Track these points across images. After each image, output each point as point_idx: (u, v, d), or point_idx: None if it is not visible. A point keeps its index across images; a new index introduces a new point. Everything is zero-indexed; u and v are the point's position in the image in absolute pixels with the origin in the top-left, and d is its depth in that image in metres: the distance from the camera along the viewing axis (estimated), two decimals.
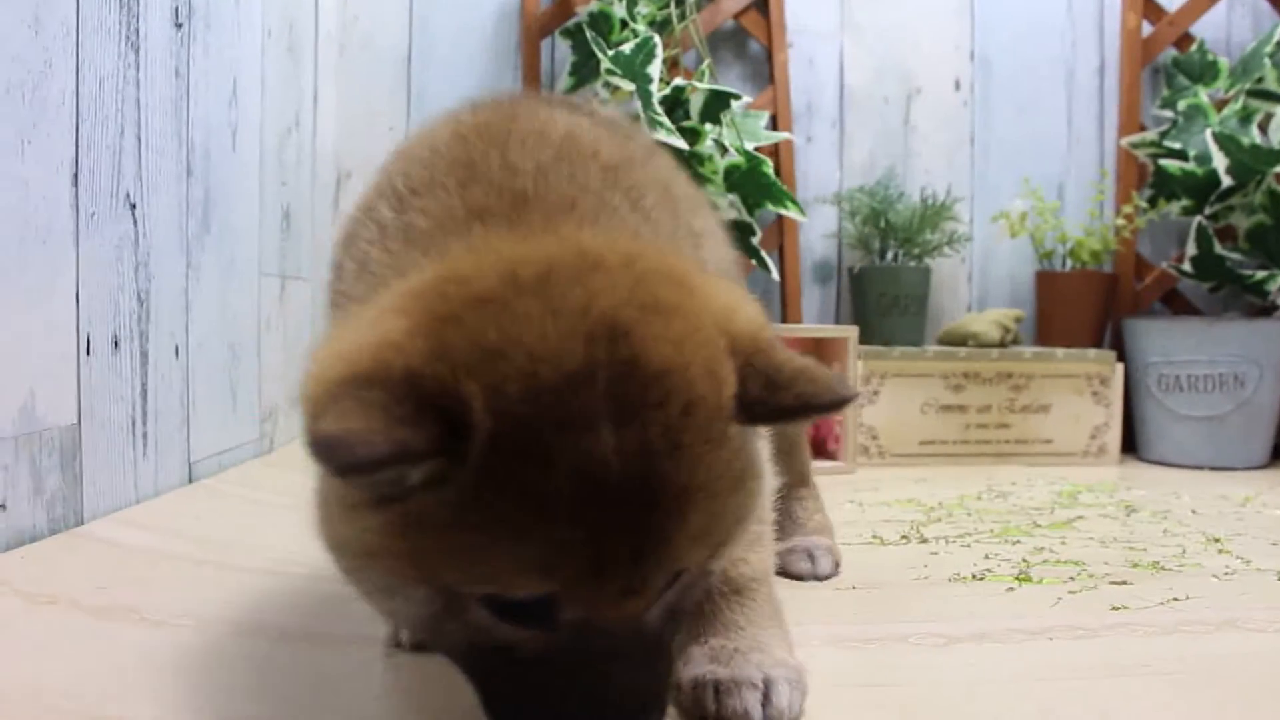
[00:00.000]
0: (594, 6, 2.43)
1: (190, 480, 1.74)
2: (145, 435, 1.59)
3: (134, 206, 1.55)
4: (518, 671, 0.65)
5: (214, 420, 1.86)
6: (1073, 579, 1.35)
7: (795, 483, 1.38)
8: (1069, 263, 2.69)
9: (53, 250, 1.34)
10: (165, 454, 1.65)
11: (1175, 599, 1.26)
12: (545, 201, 0.75)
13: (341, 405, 0.57)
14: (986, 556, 1.48)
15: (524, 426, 0.58)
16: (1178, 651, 1.06)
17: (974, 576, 1.37)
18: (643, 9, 2.42)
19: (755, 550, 0.89)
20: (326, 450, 0.54)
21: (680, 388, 0.61)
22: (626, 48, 2.17)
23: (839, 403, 0.66)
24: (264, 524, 1.61)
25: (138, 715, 0.83)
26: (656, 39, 2.21)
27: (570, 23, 2.55)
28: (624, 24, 2.40)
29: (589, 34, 2.33)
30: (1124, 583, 1.34)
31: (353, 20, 2.71)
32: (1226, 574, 1.41)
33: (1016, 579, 1.35)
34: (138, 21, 1.55)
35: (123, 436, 1.52)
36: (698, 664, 0.83)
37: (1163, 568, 1.43)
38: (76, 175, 1.38)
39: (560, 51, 2.67)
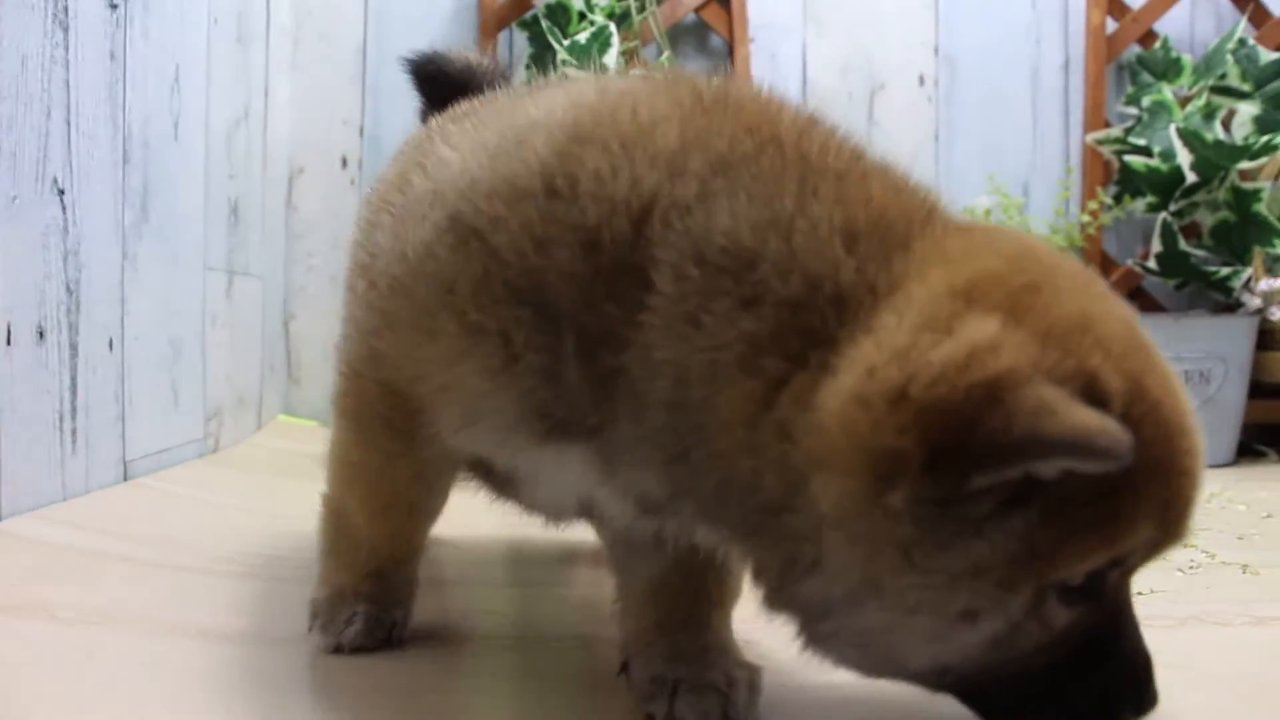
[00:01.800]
0: None
1: (125, 478, 1.68)
2: (74, 431, 1.52)
3: (62, 192, 1.48)
4: (1066, 661, 0.66)
5: (153, 417, 1.79)
6: None
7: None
8: None
9: None
10: (97, 451, 1.59)
11: (1140, 593, 1.22)
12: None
13: (1046, 402, 0.57)
14: None
15: (1147, 396, 0.62)
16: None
17: None
18: (601, 1, 2.38)
19: None
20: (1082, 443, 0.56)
21: None
22: (582, 37, 2.14)
23: None
24: (199, 523, 1.56)
25: (30, 715, 0.77)
26: (613, 28, 2.18)
27: (528, 15, 2.50)
28: (582, 16, 2.36)
29: (545, 24, 2.29)
30: None
31: (307, 13, 2.66)
32: (1192, 568, 1.38)
33: None
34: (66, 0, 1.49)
35: (48, 431, 1.45)
36: (655, 659, 0.81)
37: None
38: None
39: (519, 44, 2.63)
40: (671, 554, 0.81)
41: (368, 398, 0.85)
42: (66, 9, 1.49)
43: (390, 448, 0.87)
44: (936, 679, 0.67)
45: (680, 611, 0.84)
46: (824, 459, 0.61)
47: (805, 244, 0.66)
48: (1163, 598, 1.21)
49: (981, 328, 0.60)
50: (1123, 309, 0.68)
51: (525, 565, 1.44)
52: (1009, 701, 0.67)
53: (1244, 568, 1.38)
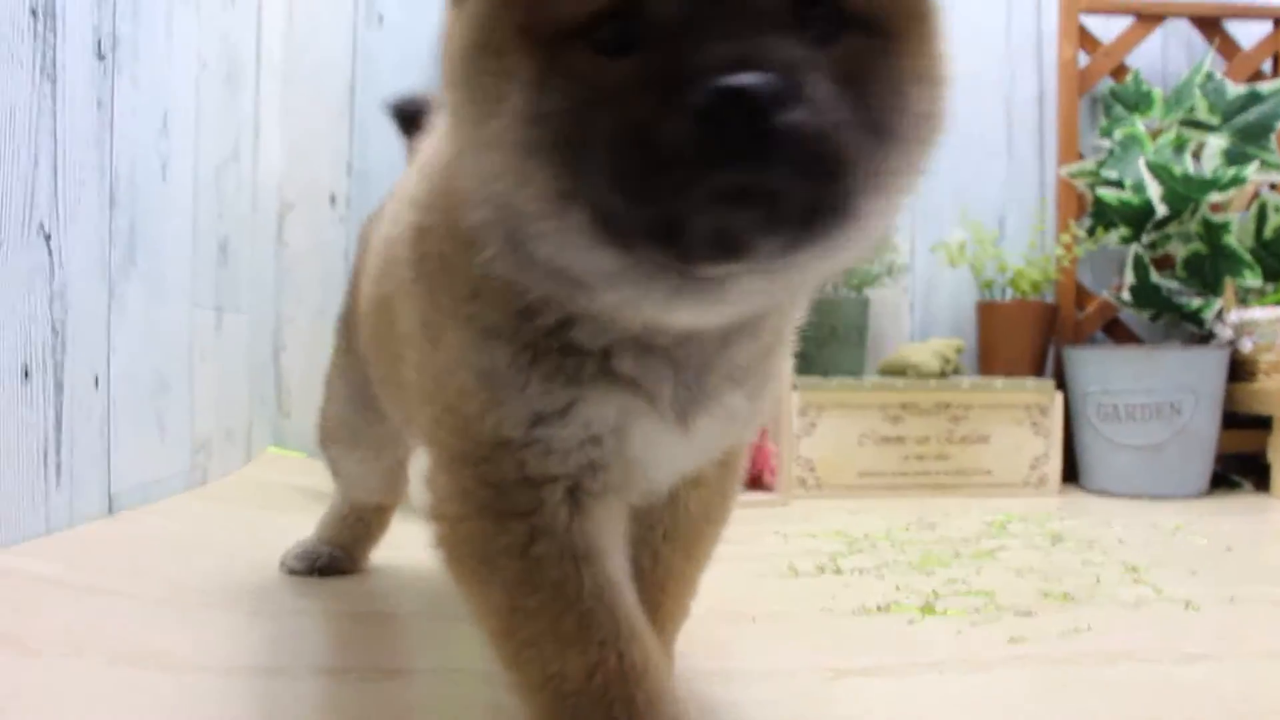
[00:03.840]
0: None
1: (110, 511, 1.73)
2: (59, 466, 1.58)
3: (49, 237, 1.54)
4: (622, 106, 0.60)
5: (139, 451, 1.85)
6: (978, 610, 1.36)
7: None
8: (1009, 292, 2.71)
9: None
10: (81, 485, 1.64)
11: (1076, 630, 1.27)
12: None
13: None
14: (897, 588, 1.48)
15: None
16: (1070, 683, 1.06)
17: (879, 608, 1.37)
18: None
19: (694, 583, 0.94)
20: None
21: None
22: None
23: None
24: (179, 555, 1.60)
25: None
26: None
27: None
28: None
29: None
30: (1029, 614, 1.34)
31: (297, 53, 2.72)
32: (1135, 604, 1.41)
33: (921, 610, 1.35)
34: (54, 52, 1.55)
35: (32, 467, 1.51)
36: None
37: (1072, 598, 1.43)
38: None
39: None
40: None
41: None
42: (54, 62, 1.55)
43: None
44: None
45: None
46: None
47: None
48: (1096, 635, 1.24)
49: None
50: None
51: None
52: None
53: (1186, 604, 1.41)
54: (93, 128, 1.67)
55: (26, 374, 1.49)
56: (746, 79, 0.56)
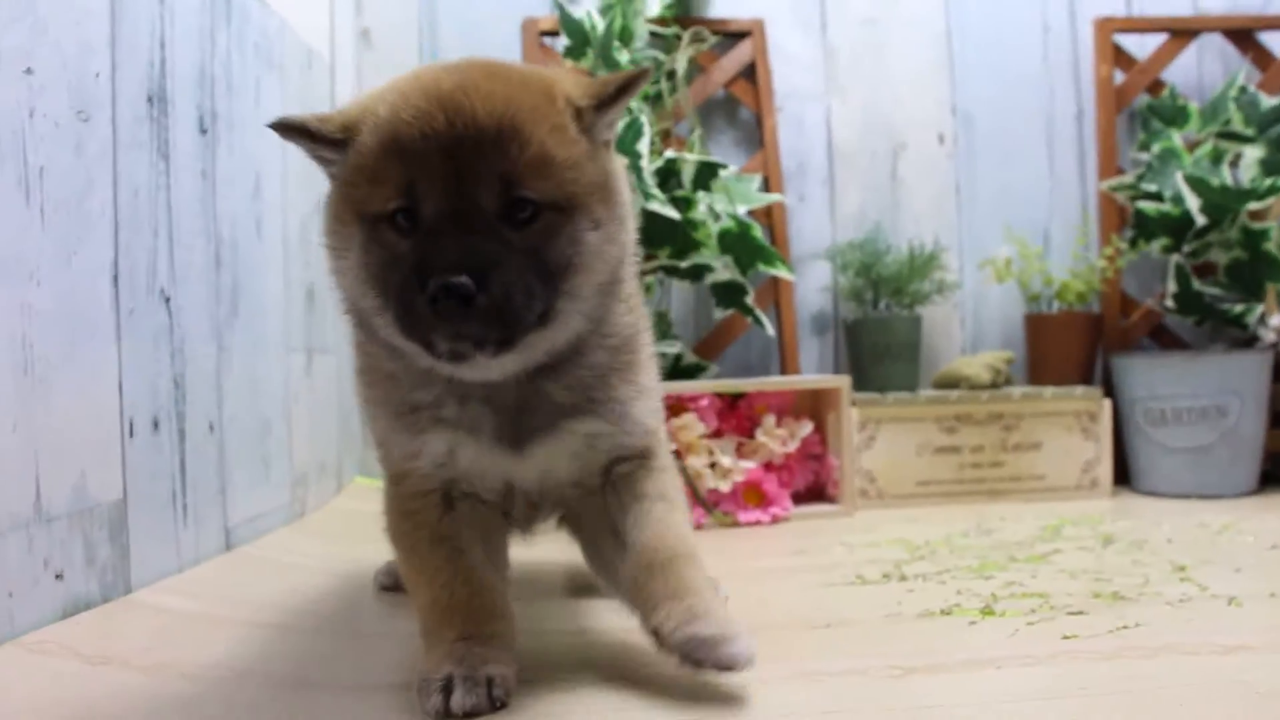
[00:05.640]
0: None
1: (227, 545, 1.89)
2: (185, 507, 1.74)
3: (168, 300, 1.71)
4: (404, 270, 1.04)
5: (248, 489, 2.01)
6: (1034, 611, 1.47)
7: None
8: (1056, 304, 2.81)
9: (98, 344, 1.49)
10: (203, 523, 1.80)
11: (1124, 626, 1.37)
12: None
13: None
14: (958, 592, 1.60)
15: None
16: (1115, 675, 1.17)
17: (942, 612, 1.48)
18: None
19: (686, 527, 1.25)
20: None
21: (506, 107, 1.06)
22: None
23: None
24: (295, 586, 1.75)
25: None
26: (644, 119, 2.36)
27: None
28: None
29: None
30: (1081, 613, 1.45)
31: None
32: (1181, 601, 1.51)
33: (981, 613, 1.47)
34: (167, 133, 1.72)
35: (164, 509, 1.67)
36: (682, 622, 1.10)
37: (1122, 597, 1.53)
38: (116, 277, 1.54)
39: None
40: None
41: None
42: (167, 141, 1.72)
43: None
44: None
45: (680, 576, 1.16)
46: None
47: None
48: (1142, 631, 1.34)
49: None
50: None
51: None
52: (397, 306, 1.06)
53: (1230, 600, 1.50)
54: (199, 197, 1.84)
55: (156, 425, 1.66)
56: (455, 280, 0.99)
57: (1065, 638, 1.33)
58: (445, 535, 1.20)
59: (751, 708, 1.09)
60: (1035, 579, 1.68)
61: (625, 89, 1.11)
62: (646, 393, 1.24)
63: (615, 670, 1.24)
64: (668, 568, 1.16)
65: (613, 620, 1.47)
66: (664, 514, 1.23)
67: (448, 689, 1.06)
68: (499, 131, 1.03)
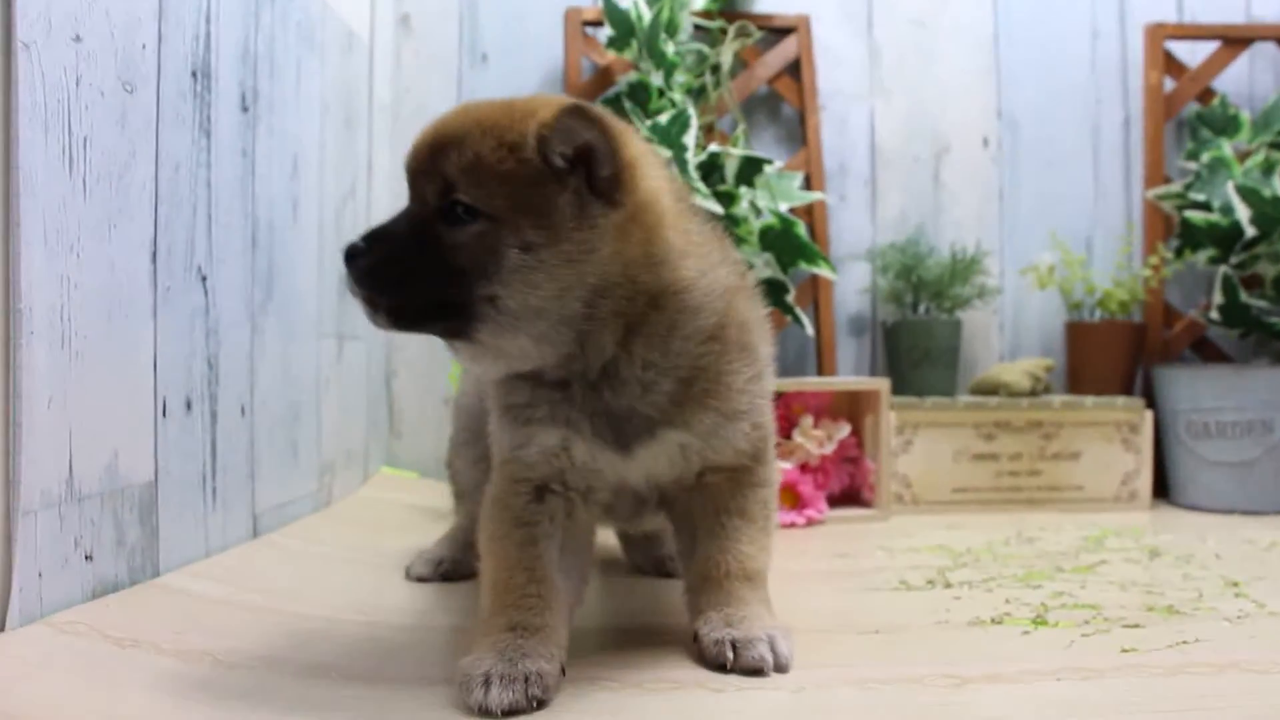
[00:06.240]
0: (633, 76, 2.56)
1: (255, 532, 1.85)
2: (214, 490, 1.71)
3: (205, 279, 1.67)
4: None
5: (276, 474, 1.98)
6: (1087, 622, 1.42)
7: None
8: (1098, 313, 2.76)
9: (134, 322, 1.46)
10: (232, 508, 1.77)
11: (1184, 641, 1.33)
12: None
13: None
14: (1007, 601, 1.55)
15: None
16: (1182, 692, 1.13)
17: (993, 620, 1.44)
18: (679, 78, 2.54)
19: (764, 549, 1.31)
20: None
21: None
22: (663, 118, 2.29)
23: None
24: (323, 575, 1.72)
25: None
26: (691, 111, 2.32)
27: (610, 92, 2.67)
28: (661, 93, 2.52)
29: (627, 104, 2.45)
30: (1137, 626, 1.40)
31: (405, 91, 2.86)
32: (1239, 617, 1.46)
33: (1033, 622, 1.42)
34: (209, 109, 1.69)
35: (194, 492, 1.64)
36: (717, 627, 1.21)
37: (1177, 611, 1.49)
38: (155, 253, 1.51)
39: None
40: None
41: None
42: (209, 118, 1.69)
43: None
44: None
45: (730, 592, 1.25)
46: None
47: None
48: (1204, 647, 1.30)
49: None
50: None
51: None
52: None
53: None
54: (238, 176, 1.81)
55: (189, 406, 1.63)
56: (352, 241, 1.16)
57: (1124, 650, 1.28)
58: (525, 521, 1.24)
59: (801, 716, 1.05)
60: (1085, 589, 1.63)
61: (573, 120, 1.11)
62: (736, 416, 1.26)
63: (661, 672, 1.20)
64: (721, 584, 1.26)
65: (663, 620, 1.45)
66: (735, 532, 1.30)
67: (487, 683, 1.07)
68: (448, 141, 1.14)
